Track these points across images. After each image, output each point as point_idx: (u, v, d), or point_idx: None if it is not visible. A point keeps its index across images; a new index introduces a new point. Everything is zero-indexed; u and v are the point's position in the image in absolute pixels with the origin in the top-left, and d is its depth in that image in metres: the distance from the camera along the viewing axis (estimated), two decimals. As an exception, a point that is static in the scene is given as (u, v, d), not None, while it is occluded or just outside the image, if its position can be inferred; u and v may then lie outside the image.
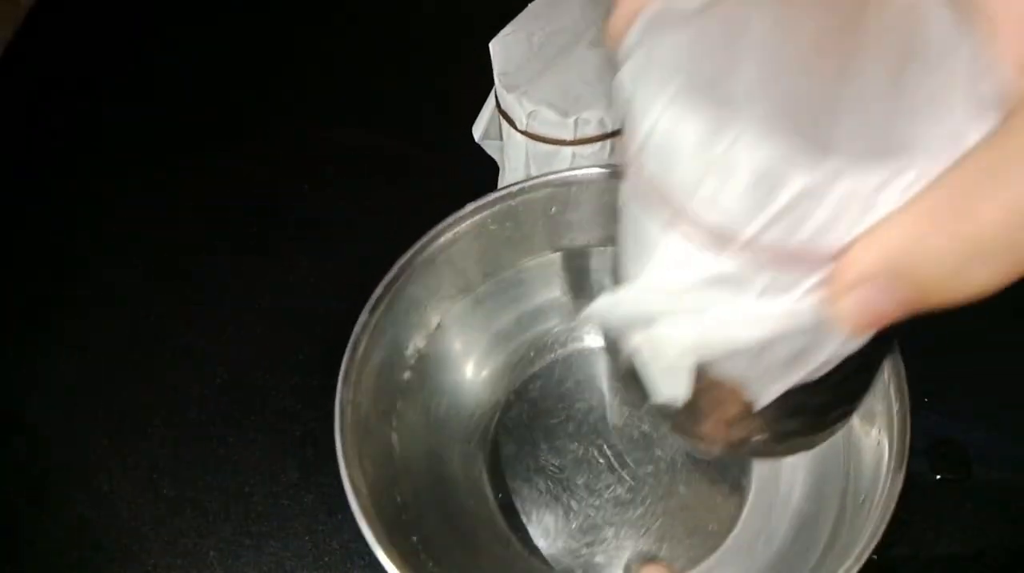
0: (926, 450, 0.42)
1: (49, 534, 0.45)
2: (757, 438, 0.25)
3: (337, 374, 0.36)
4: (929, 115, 0.16)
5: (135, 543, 0.44)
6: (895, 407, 0.32)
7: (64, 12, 0.65)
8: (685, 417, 0.24)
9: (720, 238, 0.17)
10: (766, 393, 0.21)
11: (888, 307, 0.17)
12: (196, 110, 0.60)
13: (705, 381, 0.21)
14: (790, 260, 0.17)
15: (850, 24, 0.17)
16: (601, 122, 0.40)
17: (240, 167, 0.57)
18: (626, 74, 0.18)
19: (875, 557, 0.41)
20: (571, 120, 0.40)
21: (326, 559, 0.43)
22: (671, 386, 0.22)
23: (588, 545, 0.40)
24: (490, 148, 0.50)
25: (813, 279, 0.17)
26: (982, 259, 0.15)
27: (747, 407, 0.22)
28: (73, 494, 0.46)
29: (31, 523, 0.45)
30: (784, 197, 0.16)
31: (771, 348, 0.19)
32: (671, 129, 0.17)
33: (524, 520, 0.40)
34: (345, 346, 0.36)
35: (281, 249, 0.53)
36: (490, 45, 0.43)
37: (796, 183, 0.16)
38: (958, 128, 0.16)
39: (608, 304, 0.21)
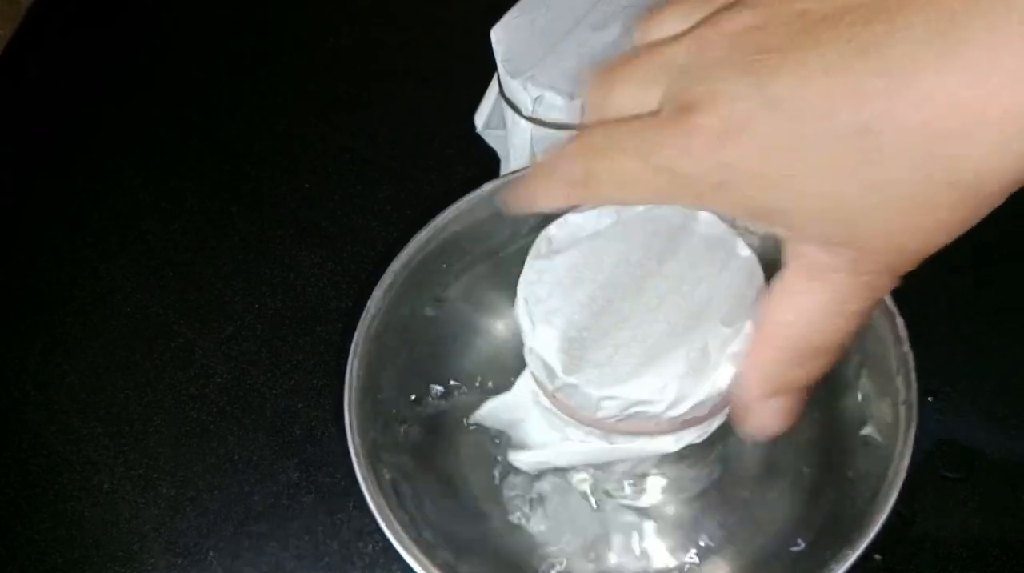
0: (929, 448, 0.42)
1: (49, 534, 0.45)
2: None
3: (338, 374, 0.36)
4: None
5: (135, 543, 0.44)
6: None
7: (64, 12, 0.65)
8: None
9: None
10: None
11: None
12: (196, 109, 0.60)
13: None
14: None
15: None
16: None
17: (240, 166, 0.57)
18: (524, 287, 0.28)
19: (877, 557, 0.41)
20: (577, 103, 0.39)
21: (326, 559, 0.43)
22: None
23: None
24: (491, 138, 0.49)
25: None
26: None
27: None
28: (73, 494, 0.46)
29: (31, 523, 0.45)
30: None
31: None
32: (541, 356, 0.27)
33: (531, 501, 0.40)
34: (346, 346, 0.36)
35: (281, 248, 0.53)
36: (492, 32, 0.42)
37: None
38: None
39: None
